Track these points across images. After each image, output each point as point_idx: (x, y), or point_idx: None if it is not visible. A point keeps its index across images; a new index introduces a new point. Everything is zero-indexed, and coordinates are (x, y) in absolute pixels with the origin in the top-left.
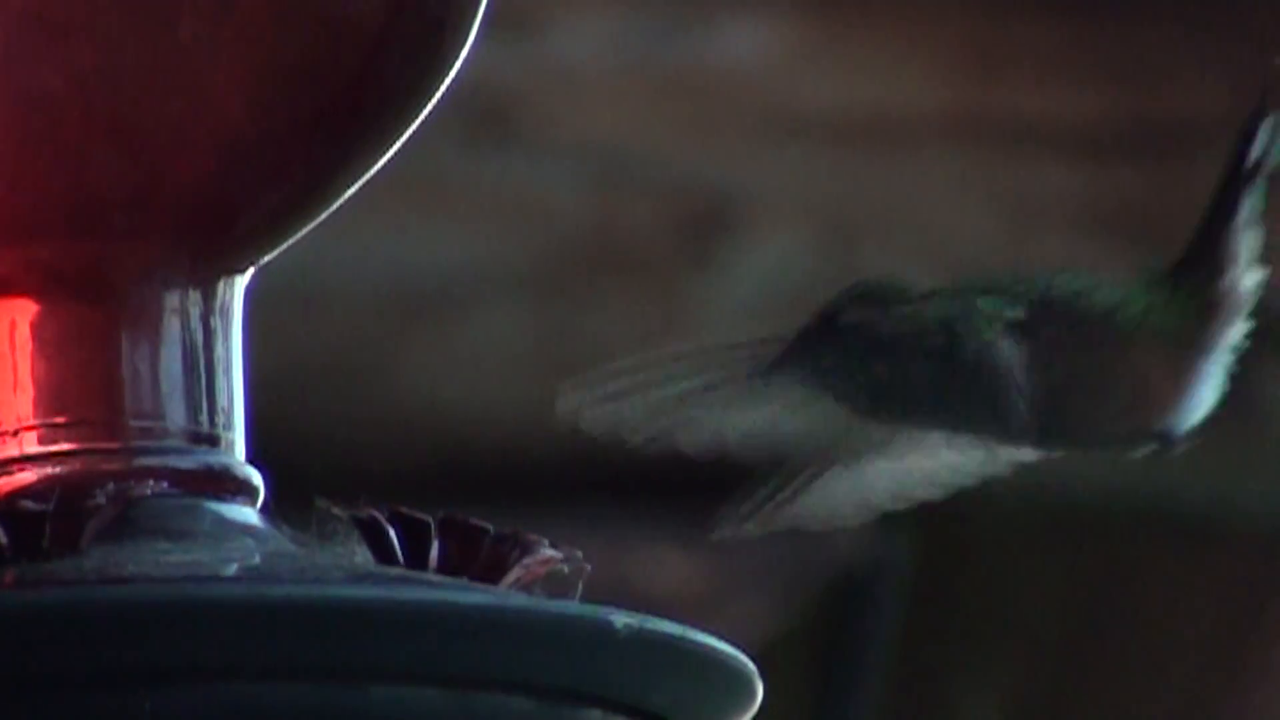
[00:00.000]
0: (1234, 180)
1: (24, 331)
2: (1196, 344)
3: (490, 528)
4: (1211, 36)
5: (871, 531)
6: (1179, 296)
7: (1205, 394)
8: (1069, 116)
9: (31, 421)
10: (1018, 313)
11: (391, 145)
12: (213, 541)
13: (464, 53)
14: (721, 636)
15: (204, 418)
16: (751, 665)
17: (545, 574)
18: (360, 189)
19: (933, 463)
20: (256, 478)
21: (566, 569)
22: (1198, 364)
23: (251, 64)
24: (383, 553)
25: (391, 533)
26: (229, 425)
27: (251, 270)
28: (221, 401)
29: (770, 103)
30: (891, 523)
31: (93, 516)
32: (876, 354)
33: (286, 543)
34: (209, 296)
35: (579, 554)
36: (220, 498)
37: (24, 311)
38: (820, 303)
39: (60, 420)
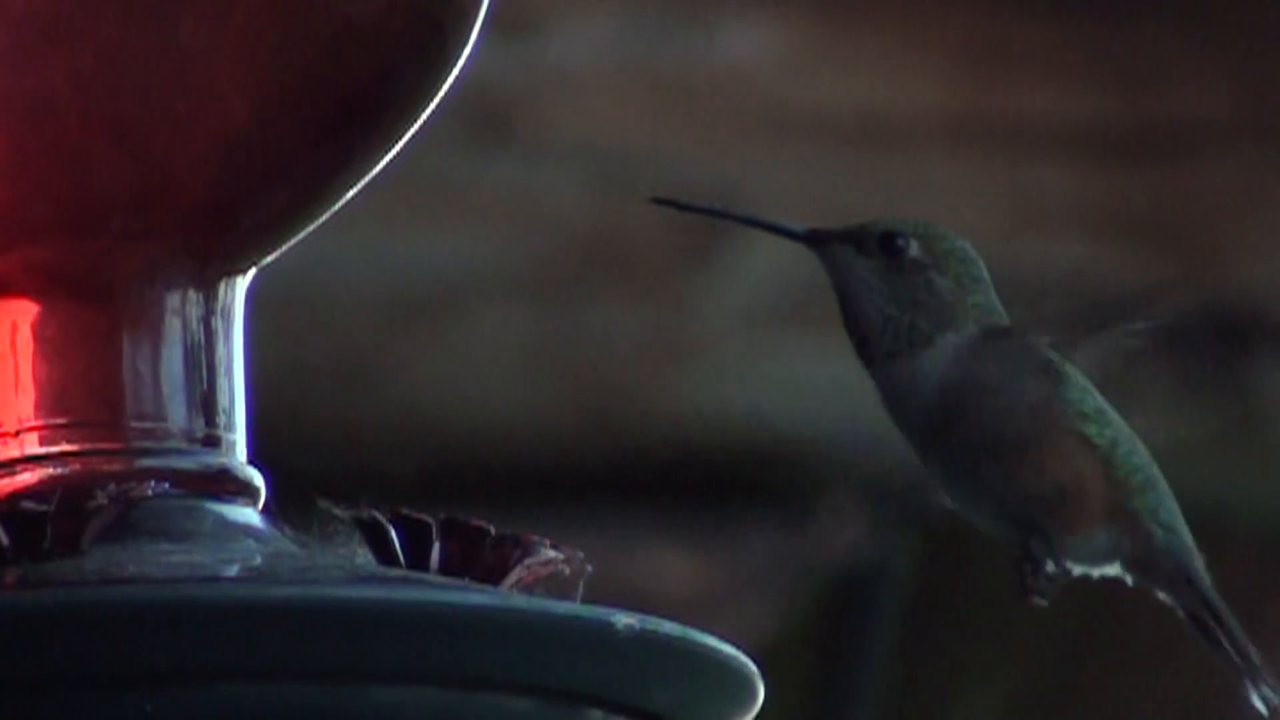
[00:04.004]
0: None
1: (25, 333)
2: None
3: (491, 529)
4: (1211, 37)
5: (872, 533)
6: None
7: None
8: (1069, 117)
9: (33, 422)
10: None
11: (393, 147)
12: (214, 542)
13: (465, 54)
14: (722, 637)
15: (205, 419)
16: (752, 666)
17: (546, 575)
18: (361, 190)
19: None
20: (258, 479)
21: (567, 570)
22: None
23: (253, 66)
24: (384, 554)
25: (393, 534)
26: (230, 426)
27: (253, 271)
28: (223, 402)
29: (770, 103)
30: (892, 524)
31: (94, 517)
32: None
33: (288, 544)
34: (210, 298)
35: (580, 555)
36: (221, 499)
37: (25, 312)
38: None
39: (61, 421)
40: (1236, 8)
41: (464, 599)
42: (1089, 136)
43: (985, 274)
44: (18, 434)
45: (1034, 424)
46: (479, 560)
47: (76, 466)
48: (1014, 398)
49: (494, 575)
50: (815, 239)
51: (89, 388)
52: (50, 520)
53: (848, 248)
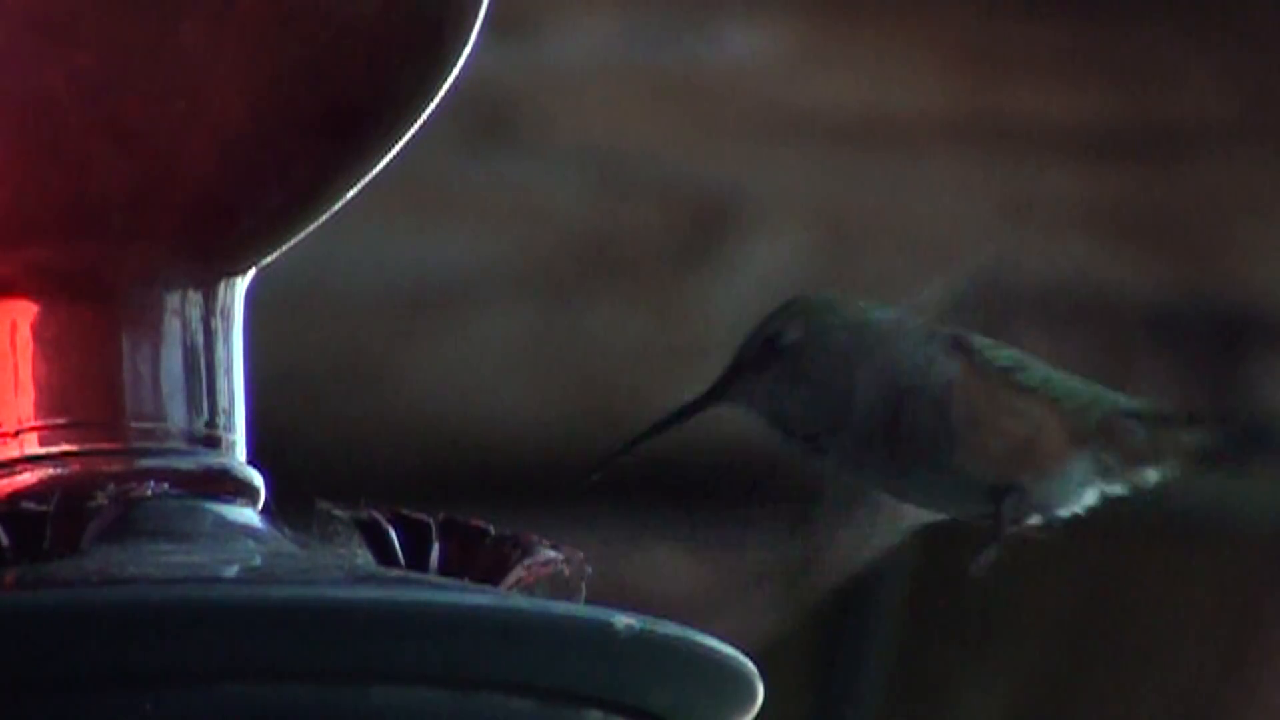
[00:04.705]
0: None
1: (25, 333)
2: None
3: (491, 529)
4: (1211, 37)
5: (872, 532)
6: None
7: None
8: (1069, 117)
9: (33, 423)
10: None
11: (392, 147)
12: (214, 543)
13: (464, 55)
14: (722, 637)
15: (205, 419)
16: (752, 666)
17: (546, 575)
18: (361, 191)
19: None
20: (257, 479)
21: (567, 570)
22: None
23: (252, 66)
24: (384, 554)
25: (392, 534)
26: (230, 426)
27: (252, 272)
28: (222, 403)
29: (770, 103)
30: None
31: (94, 517)
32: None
33: (287, 544)
34: (210, 298)
35: (580, 555)
36: (221, 499)
37: (25, 313)
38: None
39: (61, 421)
40: (1236, 8)
41: (463, 599)
42: (1088, 136)
43: (865, 303)
44: (17, 434)
45: (967, 393)
46: (478, 560)
47: (76, 466)
48: (937, 380)
49: (494, 575)
50: (719, 392)
51: (89, 388)
52: (50, 520)
53: (747, 376)
